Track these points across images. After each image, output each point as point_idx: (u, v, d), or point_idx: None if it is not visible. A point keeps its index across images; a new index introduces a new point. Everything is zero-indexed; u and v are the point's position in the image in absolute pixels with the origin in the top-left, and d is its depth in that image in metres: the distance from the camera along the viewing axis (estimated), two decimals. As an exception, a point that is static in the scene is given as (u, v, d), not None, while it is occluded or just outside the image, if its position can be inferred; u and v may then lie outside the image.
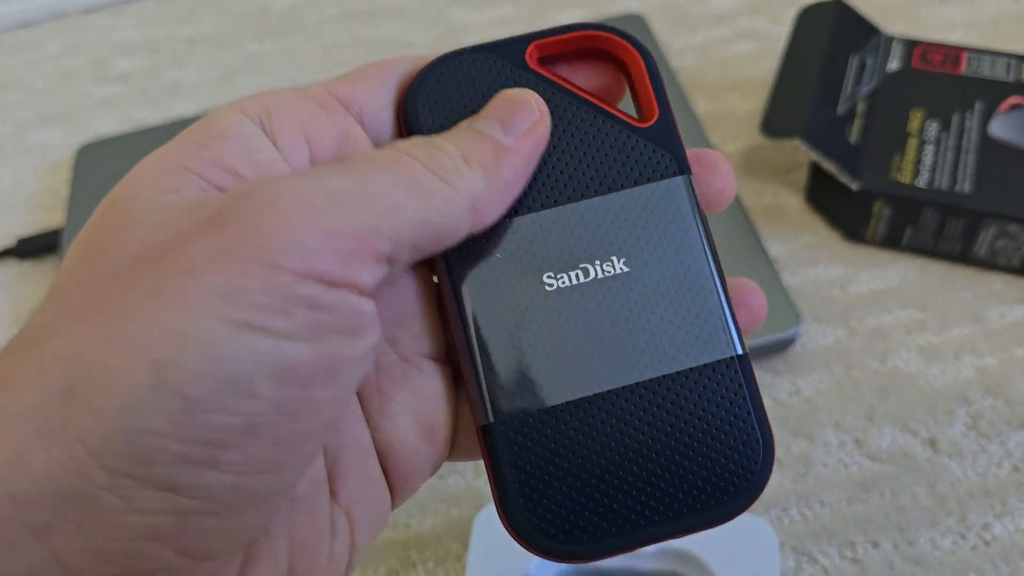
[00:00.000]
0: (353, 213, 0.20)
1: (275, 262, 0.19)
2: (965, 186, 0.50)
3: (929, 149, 0.52)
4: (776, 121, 0.53)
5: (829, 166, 0.51)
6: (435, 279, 0.27)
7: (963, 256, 0.52)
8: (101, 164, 0.63)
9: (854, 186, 0.51)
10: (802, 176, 0.58)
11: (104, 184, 0.61)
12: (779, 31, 0.66)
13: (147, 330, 0.19)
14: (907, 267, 0.54)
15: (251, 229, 0.19)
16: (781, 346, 0.50)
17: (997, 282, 0.52)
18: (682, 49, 0.67)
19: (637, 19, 0.66)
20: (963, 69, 0.56)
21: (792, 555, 0.45)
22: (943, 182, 0.51)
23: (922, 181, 0.51)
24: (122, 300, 0.20)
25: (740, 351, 0.26)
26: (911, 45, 0.57)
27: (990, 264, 0.52)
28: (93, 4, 0.79)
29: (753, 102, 0.63)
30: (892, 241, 0.53)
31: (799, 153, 0.59)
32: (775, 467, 0.47)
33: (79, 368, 0.19)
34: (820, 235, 0.56)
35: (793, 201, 0.57)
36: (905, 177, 0.51)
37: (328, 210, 0.20)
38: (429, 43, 0.71)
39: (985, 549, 0.44)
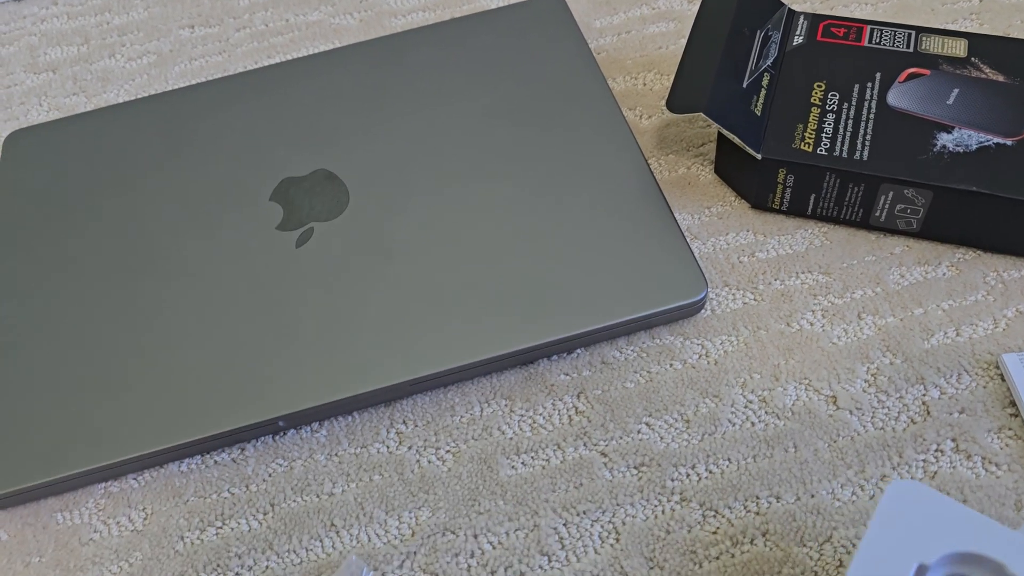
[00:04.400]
0: None
1: None
2: (864, 154, 0.52)
3: (830, 119, 0.54)
4: (680, 97, 0.54)
5: (733, 137, 0.53)
6: None
7: (864, 221, 0.54)
8: (30, 151, 0.64)
9: (758, 156, 0.53)
10: (712, 150, 0.60)
11: (32, 171, 0.62)
12: (696, 11, 0.67)
13: None
14: (812, 233, 0.55)
15: None
16: (690, 310, 0.52)
17: (897, 246, 0.54)
18: (602, 29, 0.69)
19: (558, 0, 0.67)
20: (865, 41, 0.58)
21: (699, 509, 0.46)
22: (843, 150, 0.53)
23: (823, 149, 0.53)
24: None
25: None
26: (816, 19, 0.59)
27: (890, 228, 0.54)
28: (21, -6, 0.79)
29: (668, 80, 0.64)
30: (797, 209, 0.55)
31: (710, 128, 0.61)
32: (684, 426, 0.49)
33: None
34: (730, 205, 0.57)
35: (705, 174, 0.59)
36: (807, 146, 0.53)
37: None
38: (356, 27, 0.72)
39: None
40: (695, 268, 0.52)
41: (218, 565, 0.47)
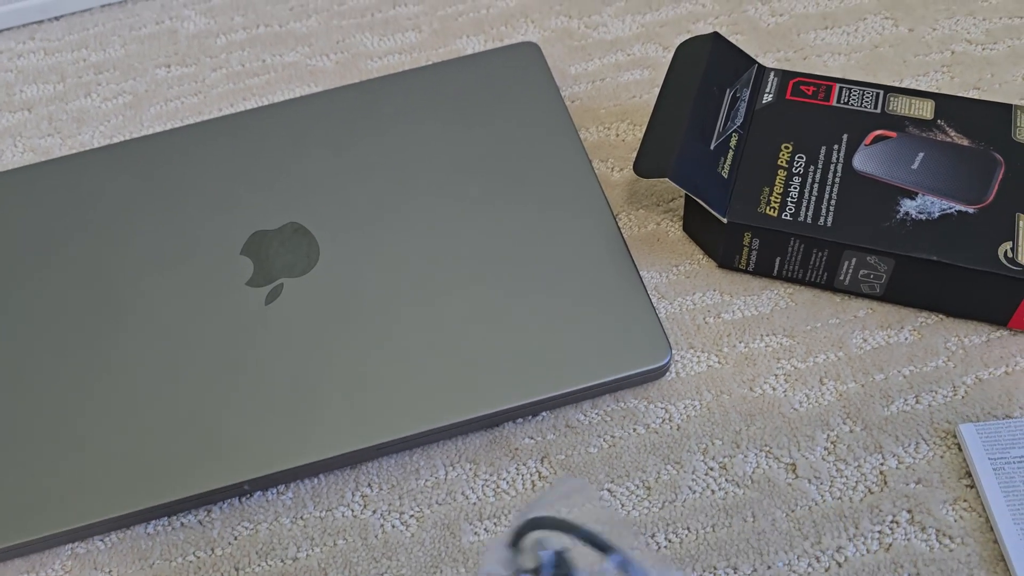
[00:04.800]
0: None
1: None
2: (828, 220, 0.53)
3: (796, 182, 0.54)
4: (648, 160, 0.55)
5: (700, 201, 0.53)
6: None
7: (829, 284, 0.55)
8: (5, 197, 0.64)
9: (724, 220, 0.53)
10: (683, 205, 0.60)
11: (8, 219, 0.62)
12: (670, 59, 0.68)
13: None
14: (778, 294, 0.56)
15: None
16: (655, 375, 0.52)
17: (861, 308, 0.55)
18: (576, 76, 0.69)
19: (532, 46, 0.67)
20: (834, 100, 0.58)
21: (657, 580, 0.47)
22: (808, 215, 0.53)
23: (788, 214, 0.53)
24: None
25: None
26: (786, 77, 0.59)
27: (854, 291, 0.55)
28: (-2, 31, 0.79)
29: (640, 131, 0.65)
30: (763, 270, 0.56)
31: (681, 182, 0.61)
32: (645, 493, 0.49)
33: None
34: (697, 263, 0.58)
35: (674, 230, 0.59)
36: (772, 211, 0.53)
37: None
38: (332, 69, 0.73)
39: (838, 571, 0.46)
40: (660, 333, 0.52)
41: (182, 630, 0.48)
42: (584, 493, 0.41)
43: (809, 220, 0.53)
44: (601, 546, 0.37)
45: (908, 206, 0.53)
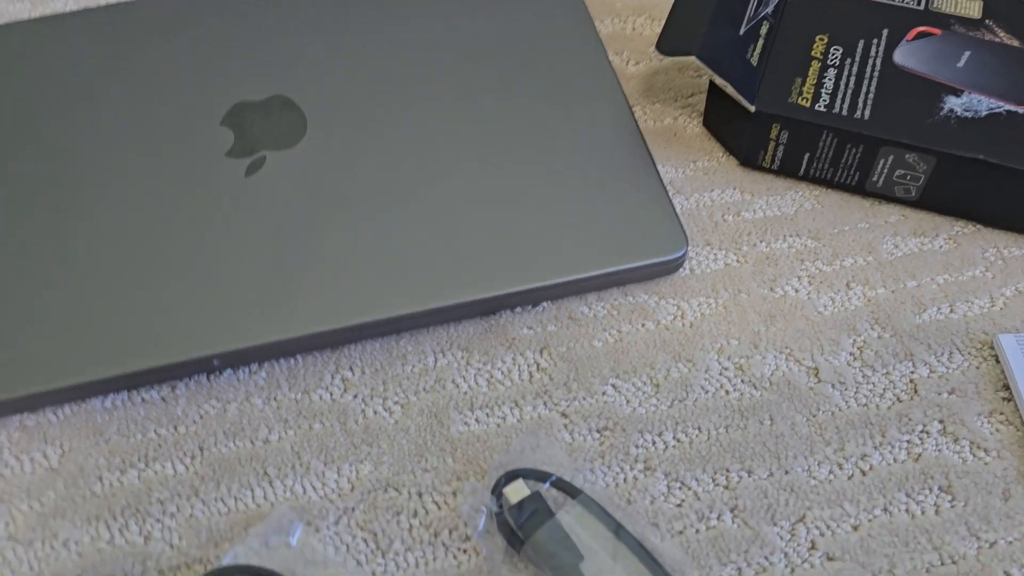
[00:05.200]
0: None
1: None
2: (865, 113, 0.49)
3: (831, 74, 0.50)
4: (672, 39, 0.50)
5: (726, 86, 0.49)
6: None
7: (860, 186, 0.51)
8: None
9: (752, 108, 0.49)
10: (702, 101, 0.56)
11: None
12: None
13: None
14: (803, 196, 0.52)
15: None
16: (668, 268, 0.48)
17: (893, 214, 0.51)
18: (593, -30, 0.64)
19: (548, -64, 0.63)
20: (873, -3, 0.54)
21: (664, 480, 0.43)
22: (843, 108, 0.49)
23: (822, 106, 0.49)
24: None
25: None
26: (822, -30, 0.55)
27: (887, 195, 0.50)
28: None
29: (659, 26, 0.60)
30: (789, 169, 0.51)
31: (701, 79, 0.57)
32: (653, 390, 0.45)
33: None
34: (717, 161, 0.54)
35: (692, 126, 0.55)
36: (805, 101, 0.49)
37: None
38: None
39: (861, 479, 0.42)
40: (675, 223, 0.48)
41: (137, 510, 0.43)
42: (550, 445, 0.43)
43: (845, 113, 0.49)
44: (570, 491, 0.41)
45: (953, 103, 0.49)
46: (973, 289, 0.48)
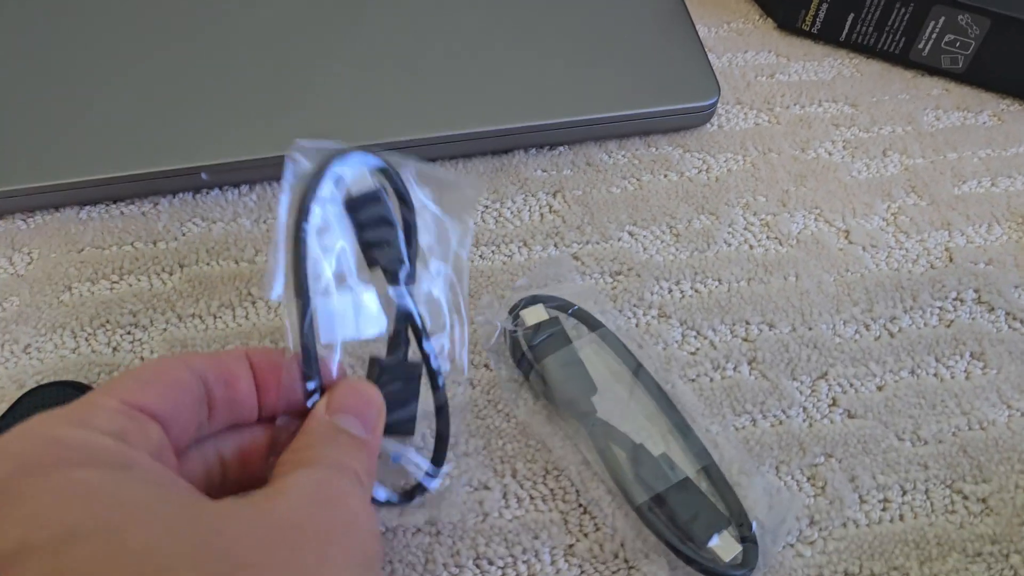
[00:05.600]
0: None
1: None
2: (918, -30, 0.45)
3: (884, -71, 0.47)
4: None
5: (774, -72, 0.46)
6: None
7: (904, 55, 0.47)
8: None
9: (798, -44, 0.46)
10: (742, -40, 0.52)
11: None
12: None
13: None
14: (842, 63, 0.49)
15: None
16: (696, 118, 0.45)
17: (936, 87, 0.48)
18: None
19: None
20: None
21: (679, 327, 0.40)
22: (895, -36, 0.46)
23: (872, -40, 0.46)
24: None
25: None
26: None
27: (932, 66, 0.47)
28: None
29: None
30: (830, 33, 0.48)
31: (743, -61, 0.54)
32: (672, 239, 0.42)
33: None
34: (753, 23, 0.50)
35: (730, -13, 0.52)
36: (855, -46, 0.46)
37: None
38: None
39: (889, 340, 0.39)
40: (708, 70, 0.45)
41: (107, 320, 0.40)
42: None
43: (896, -31, 0.45)
44: (591, 323, 0.38)
45: (1011, -33, 0.45)
46: (1017, 165, 0.45)
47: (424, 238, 0.32)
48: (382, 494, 0.31)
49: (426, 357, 0.31)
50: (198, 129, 0.43)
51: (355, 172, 0.30)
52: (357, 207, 0.30)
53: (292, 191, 0.29)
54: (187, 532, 0.22)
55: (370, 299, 0.31)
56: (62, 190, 0.42)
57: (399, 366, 0.31)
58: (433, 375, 0.31)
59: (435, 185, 0.32)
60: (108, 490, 0.22)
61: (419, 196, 0.32)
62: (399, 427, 0.30)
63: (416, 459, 0.32)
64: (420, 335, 0.31)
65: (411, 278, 0.31)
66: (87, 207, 0.43)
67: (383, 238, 0.30)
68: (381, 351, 0.31)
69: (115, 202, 0.44)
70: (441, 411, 0.31)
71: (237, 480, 0.29)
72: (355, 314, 0.30)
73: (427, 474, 0.32)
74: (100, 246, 0.42)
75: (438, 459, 0.32)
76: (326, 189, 0.29)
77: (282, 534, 0.23)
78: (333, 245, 0.30)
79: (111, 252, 0.42)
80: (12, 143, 0.43)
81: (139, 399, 0.26)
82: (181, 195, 0.44)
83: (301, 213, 0.28)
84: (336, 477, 0.26)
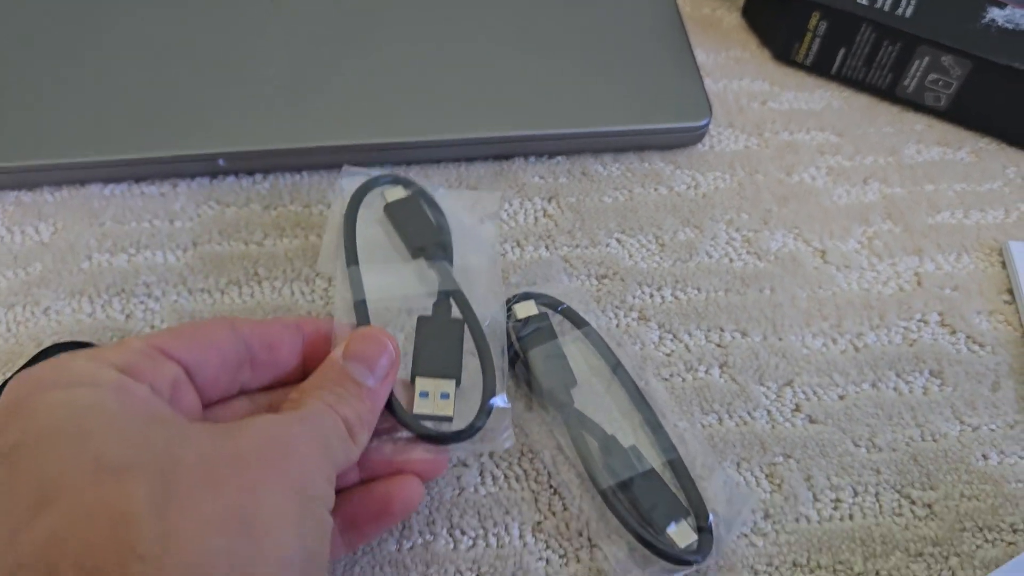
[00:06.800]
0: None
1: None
2: (908, 10, 0.48)
3: (877, -29, 0.50)
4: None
5: (772, -35, 0.49)
6: None
7: (890, 90, 0.50)
8: None
9: (794, -8, 0.49)
10: (744, -6, 0.55)
11: None
12: None
13: None
14: (832, 95, 0.51)
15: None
16: (688, 137, 0.47)
17: (919, 123, 0.50)
18: None
19: None
20: (928, -88, 0.53)
21: (656, 329, 0.42)
22: (886, 3, 0.48)
23: (864, -1, 0.48)
24: None
25: None
26: None
27: (916, 102, 0.50)
28: None
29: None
30: (822, 65, 0.51)
31: (746, -27, 0.56)
32: (657, 248, 0.45)
33: None
34: (750, 52, 0.53)
35: (730, 18, 0.55)
36: (848, -7, 0.49)
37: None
38: None
39: (854, 354, 0.42)
40: (701, 92, 0.48)
41: (123, 289, 0.43)
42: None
43: (887, 8, 0.48)
44: (577, 321, 0.41)
45: (995, 14, 0.48)
46: (989, 200, 0.47)
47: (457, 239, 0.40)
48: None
49: (468, 315, 0.37)
50: (218, 119, 0.46)
51: (392, 189, 0.41)
52: (395, 210, 0.41)
53: (345, 195, 0.40)
54: (143, 445, 0.26)
55: (414, 274, 0.39)
56: (89, 168, 0.45)
57: (444, 323, 0.37)
58: (476, 324, 0.37)
59: (463, 199, 0.42)
60: (91, 404, 0.27)
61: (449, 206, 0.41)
62: (446, 371, 0.36)
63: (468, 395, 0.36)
64: (461, 300, 0.37)
65: (449, 259, 0.39)
66: (111, 184, 0.46)
67: (421, 229, 0.40)
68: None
69: (137, 181, 0.46)
70: (484, 354, 0.36)
71: None
72: (402, 285, 0.39)
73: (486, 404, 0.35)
74: (120, 221, 0.45)
75: (489, 389, 0.36)
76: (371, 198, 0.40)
77: (224, 460, 0.26)
78: (379, 242, 0.40)
79: (130, 227, 0.45)
80: (45, 121, 0.45)
81: (164, 344, 0.30)
82: (199, 179, 0.46)
83: (353, 202, 0.39)
84: (313, 417, 0.30)
